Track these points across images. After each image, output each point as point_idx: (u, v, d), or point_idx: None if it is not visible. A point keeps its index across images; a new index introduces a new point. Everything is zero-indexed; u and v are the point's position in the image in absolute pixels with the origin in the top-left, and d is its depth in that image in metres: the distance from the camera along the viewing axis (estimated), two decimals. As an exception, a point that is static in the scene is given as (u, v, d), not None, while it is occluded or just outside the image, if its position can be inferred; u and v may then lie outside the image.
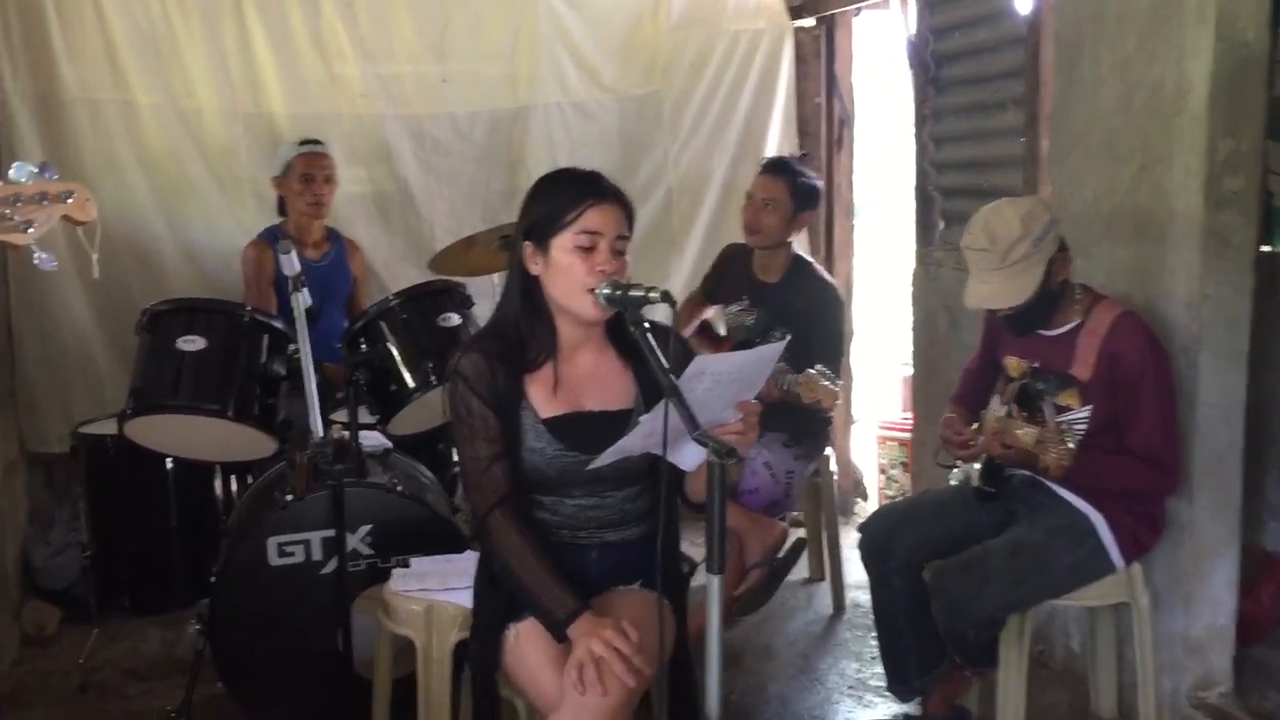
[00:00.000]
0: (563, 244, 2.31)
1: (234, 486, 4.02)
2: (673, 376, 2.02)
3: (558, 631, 2.27)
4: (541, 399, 2.39)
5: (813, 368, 3.48)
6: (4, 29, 4.32)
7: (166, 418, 3.31)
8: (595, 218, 2.31)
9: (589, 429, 2.36)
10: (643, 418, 2.11)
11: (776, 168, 3.96)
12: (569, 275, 2.31)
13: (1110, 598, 3.01)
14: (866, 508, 5.41)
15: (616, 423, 2.37)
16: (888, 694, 3.34)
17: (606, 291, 2.24)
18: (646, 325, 2.14)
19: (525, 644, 2.36)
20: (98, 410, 4.23)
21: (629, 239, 2.37)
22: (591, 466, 2.21)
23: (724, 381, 2.06)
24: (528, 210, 2.40)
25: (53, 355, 4.51)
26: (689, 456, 2.11)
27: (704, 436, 1.90)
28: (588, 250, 2.30)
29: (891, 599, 3.11)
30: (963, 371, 3.37)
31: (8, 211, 2.19)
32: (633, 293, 2.19)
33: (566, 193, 2.35)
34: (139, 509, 3.95)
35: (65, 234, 2.40)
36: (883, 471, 5.43)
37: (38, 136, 4.39)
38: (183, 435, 3.40)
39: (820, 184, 4.05)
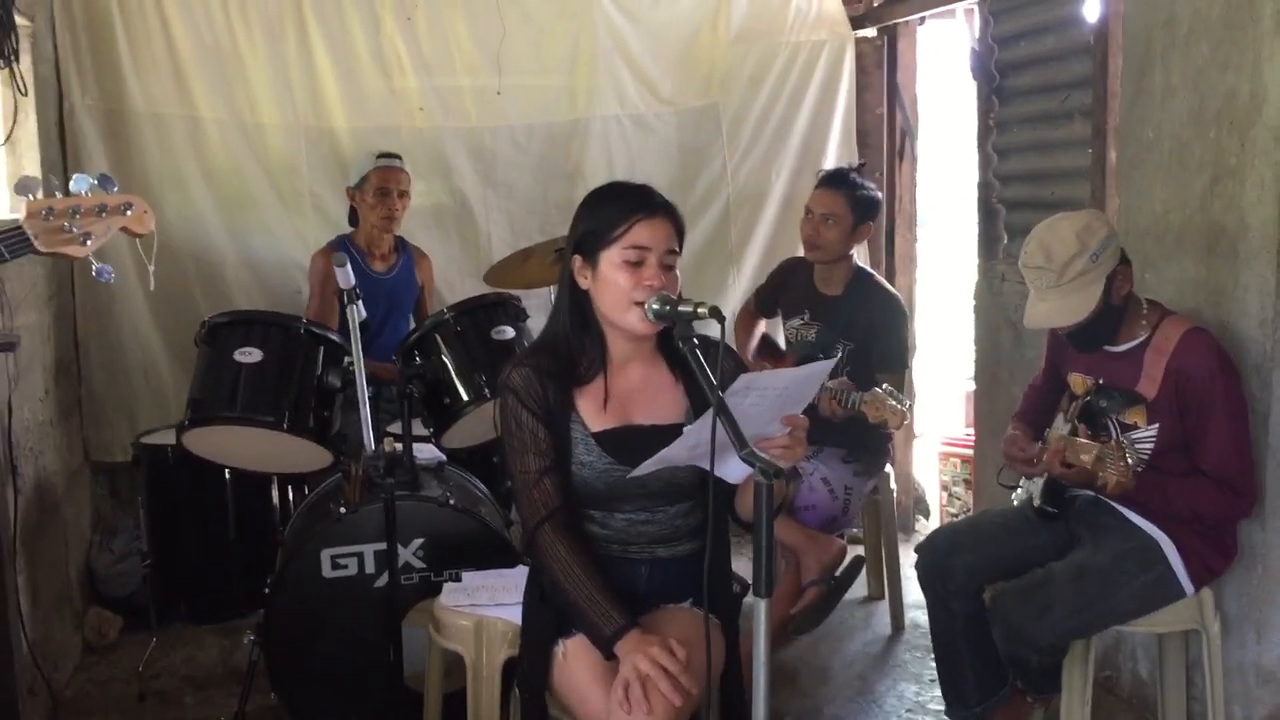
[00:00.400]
0: (611, 258, 2.30)
1: (291, 497, 4.05)
2: (720, 393, 1.98)
3: (605, 648, 2.25)
4: (592, 413, 2.38)
5: (880, 386, 3.42)
6: (73, 45, 4.41)
7: (223, 429, 3.34)
8: (643, 232, 2.29)
9: (639, 443, 2.33)
10: (687, 428, 2.08)
11: (834, 181, 3.89)
12: (616, 289, 2.29)
13: (1179, 624, 2.91)
14: (928, 525, 5.32)
15: (666, 437, 2.32)
16: (947, 718, 3.26)
17: (656, 306, 2.21)
18: (695, 341, 2.11)
19: (573, 661, 2.34)
20: (162, 420, 4.30)
21: (679, 254, 2.34)
22: (633, 475, 2.20)
23: (769, 397, 2.03)
24: (577, 224, 2.39)
25: (118, 365, 4.59)
26: (734, 469, 2.07)
27: (751, 456, 1.86)
28: (635, 265, 2.28)
29: (950, 622, 3.04)
30: (1027, 387, 3.30)
31: (66, 224, 2.22)
32: (682, 308, 2.17)
33: (615, 207, 2.33)
34: (198, 518, 3.99)
35: (130, 246, 2.43)
36: (945, 489, 5.34)
37: (104, 150, 4.48)
38: (239, 446, 3.43)
39: (879, 194, 3.98)
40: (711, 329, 2.15)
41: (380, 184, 4.24)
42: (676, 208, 2.38)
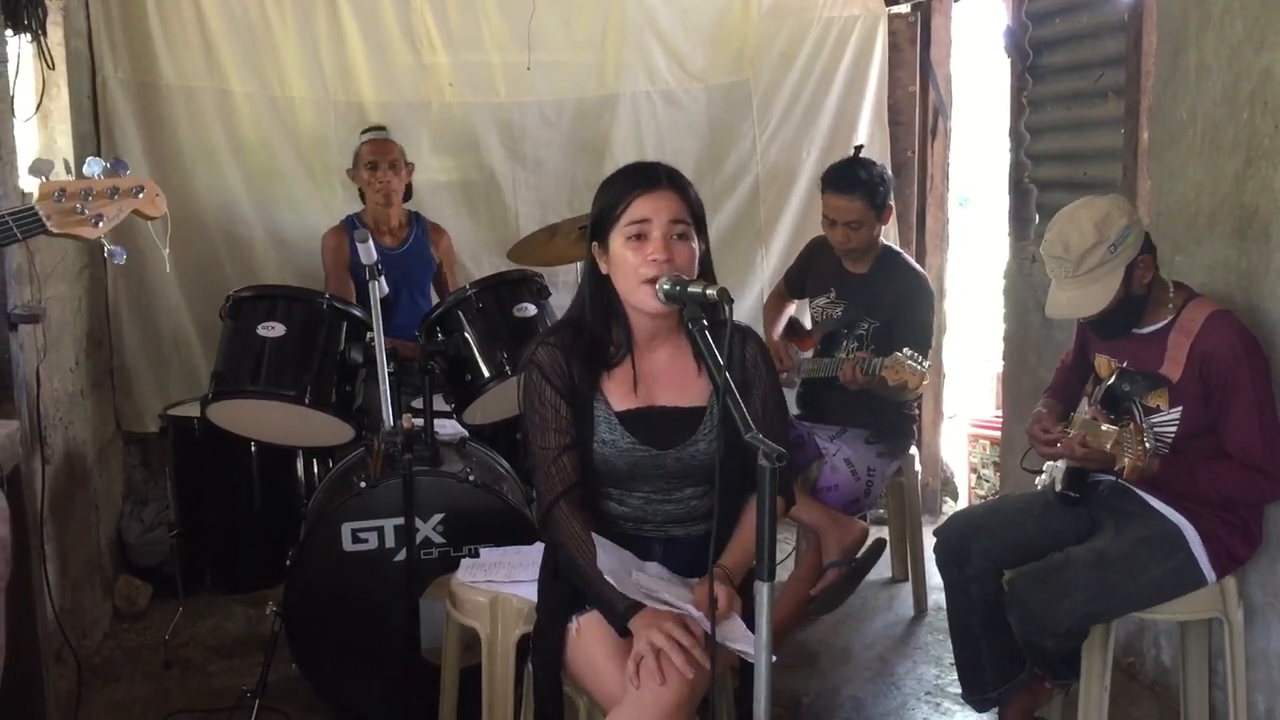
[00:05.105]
0: (617, 238, 2.31)
1: (316, 470, 4.08)
2: (727, 373, 1.98)
3: (618, 624, 2.25)
4: (617, 393, 2.39)
5: (900, 350, 3.41)
6: (105, 18, 4.44)
7: (246, 402, 3.37)
8: (643, 206, 2.29)
9: (661, 424, 2.36)
10: (679, 605, 2.19)
11: (847, 184, 3.72)
12: (626, 267, 2.30)
13: (1200, 612, 2.87)
14: (956, 507, 5.28)
15: (688, 419, 2.38)
16: (965, 703, 3.25)
17: (666, 287, 2.20)
18: (705, 322, 2.10)
19: (587, 637, 2.35)
20: (193, 391, 4.33)
21: (689, 224, 2.31)
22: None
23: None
24: (592, 210, 2.40)
25: (149, 337, 4.65)
26: None
27: (755, 439, 1.85)
28: (639, 239, 2.28)
29: (968, 607, 3.02)
30: (1059, 363, 3.26)
31: (78, 206, 2.27)
32: (691, 289, 2.16)
33: (618, 187, 2.35)
34: (224, 490, 4.04)
35: (158, 223, 2.48)
36: (974, 470, 5.30)
37: (135, 123, 4.52)
38: (262, 419, 3.46)
39: (886, 172, 3.85)
40: (741, 310, 2.14)
41: (369, 158, 4.23)
42: (685, 180, 2.36)
